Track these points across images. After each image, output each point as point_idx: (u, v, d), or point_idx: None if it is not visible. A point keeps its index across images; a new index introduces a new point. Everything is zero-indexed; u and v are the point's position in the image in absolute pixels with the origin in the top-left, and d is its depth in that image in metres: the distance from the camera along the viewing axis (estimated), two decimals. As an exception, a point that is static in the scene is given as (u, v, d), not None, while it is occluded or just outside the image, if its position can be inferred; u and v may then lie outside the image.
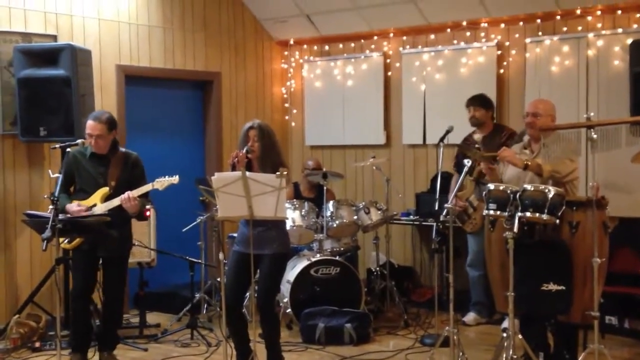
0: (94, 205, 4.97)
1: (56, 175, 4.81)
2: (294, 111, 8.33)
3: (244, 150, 4.67)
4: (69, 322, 5.32)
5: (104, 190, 4.99)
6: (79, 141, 4.89)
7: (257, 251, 4.58)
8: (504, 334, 4.61)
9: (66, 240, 4.83)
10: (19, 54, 5.86)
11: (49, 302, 6.05)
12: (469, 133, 6.28)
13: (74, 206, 4.93)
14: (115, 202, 4.93)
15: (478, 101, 6.26)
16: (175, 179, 5.02)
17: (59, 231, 4.37)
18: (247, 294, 5.49)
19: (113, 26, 6.80)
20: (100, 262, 5.15)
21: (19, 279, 6.19)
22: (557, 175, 4.68)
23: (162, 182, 5.01)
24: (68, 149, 5.05)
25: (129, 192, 4.91)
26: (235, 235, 5.05)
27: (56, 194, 4.54)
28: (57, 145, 4.94)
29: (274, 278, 4.82)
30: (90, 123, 4.97)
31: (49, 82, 5.79)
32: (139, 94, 7.15)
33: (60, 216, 4.48)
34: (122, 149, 5.18)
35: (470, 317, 6.35)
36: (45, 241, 4.29)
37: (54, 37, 6.29)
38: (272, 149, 4.77)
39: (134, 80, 7.01)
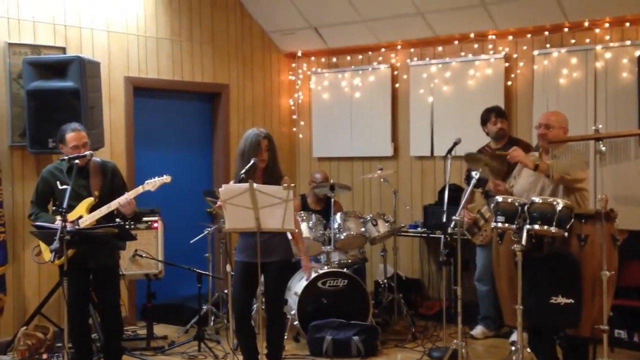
0: (80, 217, 4.81)
1: (64, 187, 4.80)
2: (302, 123, 8.34)
3: (252, 161, 4.68)
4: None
5: (89, 200, 4.88)
6: (87, 153, 4.87)
7: (263, 259, 4.61)
8: (513, 348, 4.60)
9: (57, 255, 4.37)
10: (28, 66, 5.88)
11: (56, 314, 6.05)
12: (484, 145, 6.26)
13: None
14: (104, 210, 4.83)
15: (504, 113, 6.27)
16: (167, 179, 4.95)
17: (67, 243, 4.35)
18: (254, 305, 5.49)
19: (122, 38, 6.83)
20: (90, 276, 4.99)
21: (27, 291, 6.19)
22: (567, 178, 4.66)
23: (153, 183, 4.93)
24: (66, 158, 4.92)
25: (124, 195, 4.83)
26: None
27: (64, 205, 4.52)
28: (66, 157, 4.93)
29: (282, 284, 5.00)
30: (74, 134, 4.89)
31: (57, 94, 5.81)
32: (147, 106, 7.18)
33: (69, 227, 4.47)
34: (97, 159, 5.09)
35: (478, 330, 6.32)
36: (54, 253, 4.29)
37: (63, 49, 6.31)
38: (277, 159, 4.91)
39: (142, 92, 7.04)
